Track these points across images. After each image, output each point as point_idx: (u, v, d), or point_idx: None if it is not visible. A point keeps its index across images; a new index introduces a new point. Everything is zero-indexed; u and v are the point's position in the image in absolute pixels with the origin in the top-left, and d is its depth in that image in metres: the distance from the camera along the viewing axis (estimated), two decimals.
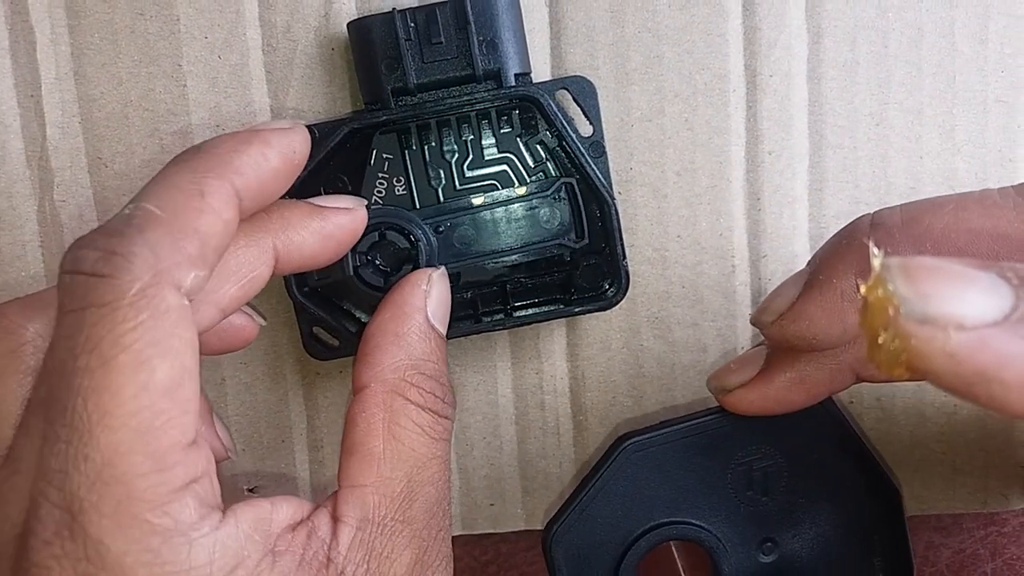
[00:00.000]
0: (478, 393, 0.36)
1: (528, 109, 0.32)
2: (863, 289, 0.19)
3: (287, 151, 0.29)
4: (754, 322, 0.30)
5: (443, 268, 0.31)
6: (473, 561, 0.38)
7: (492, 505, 0.37)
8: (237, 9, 0.33)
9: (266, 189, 0.28)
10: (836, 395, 0.31)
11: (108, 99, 0.34)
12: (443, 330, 0.30)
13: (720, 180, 0.35)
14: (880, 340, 0.18)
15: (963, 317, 0.18)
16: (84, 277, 0.24)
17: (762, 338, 0.30)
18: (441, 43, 0.31)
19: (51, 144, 0.34)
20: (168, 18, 0.33)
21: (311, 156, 0.30)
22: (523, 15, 0.32)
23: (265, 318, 0.34)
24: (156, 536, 0.24)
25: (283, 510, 0.28)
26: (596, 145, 0.32)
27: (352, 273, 0.31)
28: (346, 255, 0.30)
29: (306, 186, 0.31)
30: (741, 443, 0.31)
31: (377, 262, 0.32)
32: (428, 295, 0.30)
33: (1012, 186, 0.26)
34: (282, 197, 0.30)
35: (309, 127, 0.31)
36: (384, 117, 0.31)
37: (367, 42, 0.31)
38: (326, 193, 0.32)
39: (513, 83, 0.32)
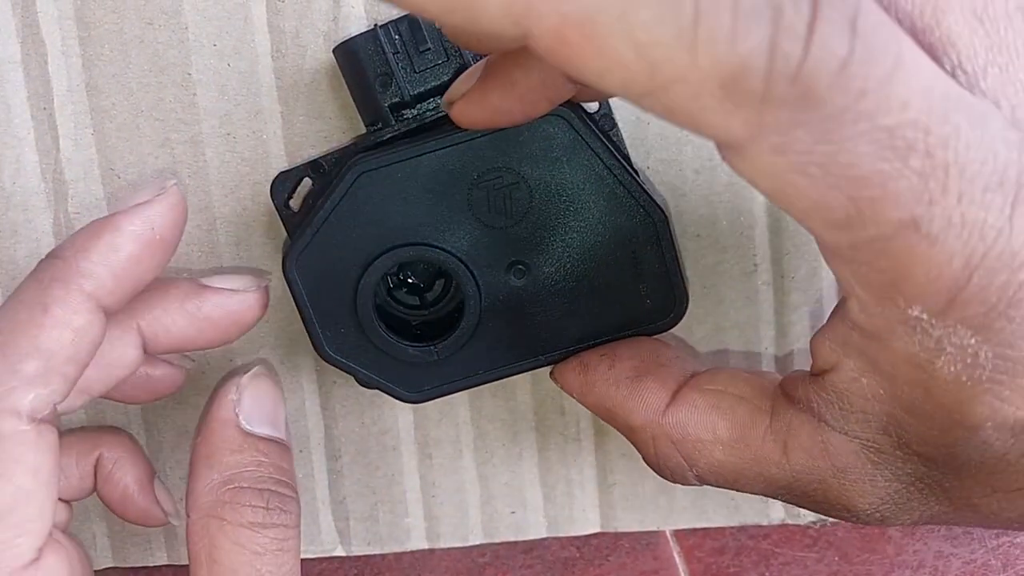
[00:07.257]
0: (496, 399, 0.36)
1: None
2: None
3: (144, 231, 0.28)
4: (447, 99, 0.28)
5: (259, 366, 0.31)
6: (471, 563, 0.37)
7: (513, 513, 0.36)
8: (245, 15, 0.33)
9: (128, 277, 0.28)
10: (591, 112, 0.29)
11: (119, 110, 0.34)
12: (269, 430, 0.30)
13: (740, 177, 0.34)
14: None
15: None
16: None
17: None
18: (429, 49, 0.31)
19: (64, 156, 0.34)
20: (177, 26, 0.33)
21: (322, 193, 0.30)
22: None
23: (192, 359, 0.34)
24: None
25: None
26: (606, 118, 0.32)
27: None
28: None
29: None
30: (479, 164, 0.30)
31: (410, 280, 0.31)
32: (239, 403, 0.29)
33: None
34: None
35: (315, 161, 0.31)
36: (388, 136, 0.31)
37: (356, 63, 0.31)
38: None
39: None
